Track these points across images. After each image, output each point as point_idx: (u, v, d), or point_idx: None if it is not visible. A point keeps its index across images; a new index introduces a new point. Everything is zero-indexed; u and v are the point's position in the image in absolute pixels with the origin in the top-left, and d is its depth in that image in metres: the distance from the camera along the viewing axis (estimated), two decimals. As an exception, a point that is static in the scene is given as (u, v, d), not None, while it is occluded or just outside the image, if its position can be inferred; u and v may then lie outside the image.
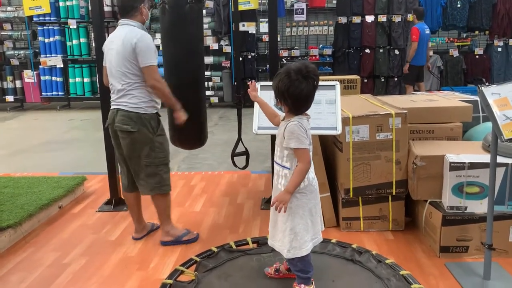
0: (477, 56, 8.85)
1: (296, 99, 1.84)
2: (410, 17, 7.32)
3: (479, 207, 2.63)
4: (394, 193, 2.96)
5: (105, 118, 3.44)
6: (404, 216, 3.05)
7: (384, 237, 2.98)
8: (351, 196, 2.97)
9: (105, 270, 2.62)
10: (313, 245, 1.91)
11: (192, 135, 3.12)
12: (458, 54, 8.76)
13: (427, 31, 7.00)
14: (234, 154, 3.33)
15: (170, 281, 1.97)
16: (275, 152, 1.94)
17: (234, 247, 2.31)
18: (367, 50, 8.72)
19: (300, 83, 1.81)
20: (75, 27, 8.37)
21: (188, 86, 3.03)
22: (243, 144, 3.44)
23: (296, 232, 1.85)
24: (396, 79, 8.63)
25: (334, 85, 2.53)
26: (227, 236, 2.99)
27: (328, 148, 3.29)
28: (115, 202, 3.54)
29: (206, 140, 3.26)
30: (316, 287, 1.93)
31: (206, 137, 3.25)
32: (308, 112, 2.17)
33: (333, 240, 2.34)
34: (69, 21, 8.33)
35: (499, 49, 8.75)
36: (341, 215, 3.06)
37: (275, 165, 1.94)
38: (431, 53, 8.56)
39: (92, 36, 5.84)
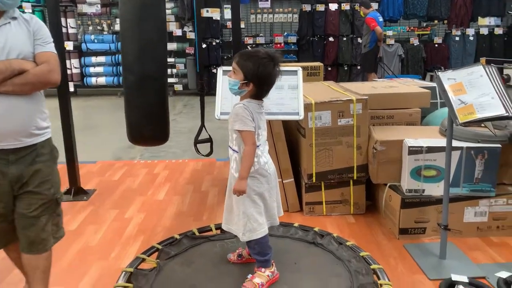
0: (436, 45, 9.11)
1: (264, 82, 1.85)
2: (360, 12, 7.36)
3: (436, 189, 2.72)
4: (355, 178, 3.02)
5: (63, 107, 3.32)
6: (365, 199, 3.12)
7: (345, 220, 3.04)
8: (314, 181, 3.01)
9: (64, 260, 2.55)
10: (269, 225, 1.93)
11: (156, 132, 2.77)
12: (418, 43, 8.99)
13: (381, 19, 7.08)
14: (197, 141, 3.30)
15: (131, 269, 1.94)
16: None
17: (197, 233, 2.29)
18: (331, 38, 8.80)
19: (272, 68, 1.84)
20: (30, 11, 7.99)
21: (153, 76, 2.67)
22: (206, 131, 3.41)
23: (248, 215, 1.85)
24: (359, 67, 8.77)
25: (296, 71, 2.53)
26: (191, 224, 2.97)
27: (292, 134, 3.31)
28: (74, 192, 3.44)
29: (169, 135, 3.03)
30: (278, 269, 1.94)
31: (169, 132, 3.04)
32: (270, 97, 2.16)
33: (296, 224, 2.37)
34: (24, 4, 7.95)
35: (457, 38, 9.05)
36: (304, 200, 3.09)
37: (229, 149, 1.94)
38: (392, 41, 8.74)
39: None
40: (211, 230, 2.33)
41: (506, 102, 2.11)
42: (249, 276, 1.92)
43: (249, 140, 1.83)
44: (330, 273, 1.93)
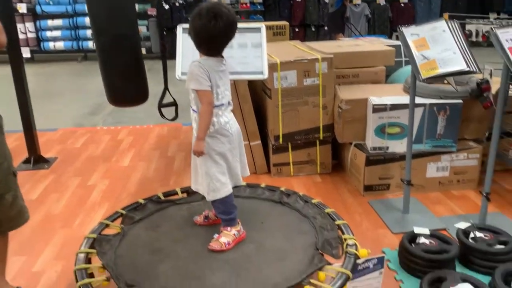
0: (402, 5, 9.11)
1: (208, 39, 1.76)
2: None
3: (399, 146, 2.76)
4: (321, 138, 3.03)
5: (16, 73, 3.13)
6: (331, 159, 3.15)
7: (312, 180, 3.07)
8: (281, 142, 3.00)
9: (26, 229, 2.46)
10: (233, 184, 1.91)
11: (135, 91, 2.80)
12: (384, 3, 8.95)
13: None
14: (161, 105, 3.20)
15: (94, 235, 1.90)
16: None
17: (162, 198, 2.25)
18: (298, -2, 8.65)
19: (208, 21, 1.72)
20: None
21: (126, 35, 2.66)
22: (170, 94, 3.31)
23: (210, 175, 1.83)
24: (326, 27, 8.69)
25: (260, 28, 2.46)
26: (157, 189, 2.91)
27: (258, 96, 3.26)
28: (34, 161, 3.31)
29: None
30: (245, 229, 1.94)
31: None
32: (234, 55, 2.10)
33: (262, 185, 2.36)
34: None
35: (422, -3, 9.07)
36: (272, 161, 3.09)
37: (190, 109, 1.88)
38: (359, 1, 8.67)
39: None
40: (177, 193, 2.30)
41: (468, 57, 2.13)
42: (215, 235, 1.91)
43: (204, 99, 1.78)
44: (296, 231, 1.94)
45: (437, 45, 2.19)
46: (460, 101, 2.67)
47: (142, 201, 2.20)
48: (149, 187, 2.99)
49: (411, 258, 1.97)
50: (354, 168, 2.93)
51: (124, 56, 2.59)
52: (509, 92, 2.83)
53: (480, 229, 2.13)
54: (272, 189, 2.32)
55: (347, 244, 1.77)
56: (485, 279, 1.90)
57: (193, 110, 1.85)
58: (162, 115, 3.29)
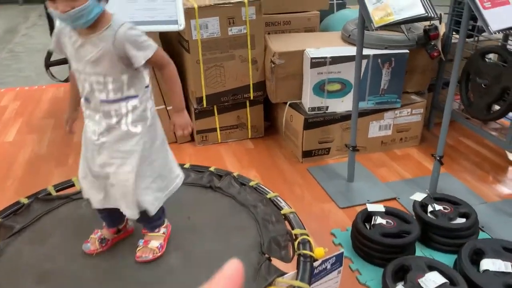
0: None
1: None
2: None
3: (340, 105, 2.43)
4: (252, 98, 2.60)
5: None
6: (263, 121, 2.75)
7: (243, 146, 2.67)
8: (205, 105, 2.52)
9: None
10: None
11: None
12: None
13: None
14: (48, 64, 2.53)
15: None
16: (93, 88, 1.23)
17: (53, 193, 1.71)
18: None
19: None
20: None
21: None
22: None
23: (170, 165, 1.42)
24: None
25: (170, -38, 1.88)
26: (53, 172, 2.34)
27: (174, 49, 2.70)
28: None
29: None
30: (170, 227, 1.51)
31: None
32: (136, 0, 1.55)
33: (186, 165, 1.90)
34: None
35: None
36: (195, 128, 2.62)
37: (101, 106, 1.27)
38: None
39: None
40: (73, 185, 1.76)
41: (425, 0, 1.77)
42: (141, 242, 1.44)
43: (165, 57, 1.28)
44: (233, 226, 1.54)
45: (390, -15, 1.81)
46: (407, 50, 2.36)
47: (25, 201, 1.64)
48: (41, 169, 2.39)
49: (368, 244, 1.68)
50: (290, 131, 2.56)
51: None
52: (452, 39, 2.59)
53: (437, 199, 1.89)
54: (199, 170, 1.87)
55: (299, 243, 1.40)
56: (448, 258, 1.69)
57: (121, 100, 1.25)
58: (51, 75, 2.63)
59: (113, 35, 1.19)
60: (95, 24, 1.19)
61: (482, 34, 2.46)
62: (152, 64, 1.27)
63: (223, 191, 1.74)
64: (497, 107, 2.21)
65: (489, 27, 1.63)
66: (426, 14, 1.75)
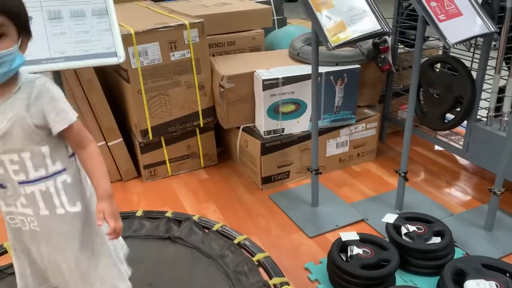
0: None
1: (26, 20, 0.96)
2: None
3: (296, 126, 2.32)
4: (201, 125, 2.42)
5: None
6: (215, 148, 2.58)
7: (197, 177, 2.48)
8: (151, 138, 2.31)
9: None
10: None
11: None
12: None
13: None
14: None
15: None
16: (7, 169, 0.97)
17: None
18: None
19: None
20: None
21: None
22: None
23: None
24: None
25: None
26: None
27: (109, 78, 2.47)
28: None
29: None
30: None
31: None
32: (65, 32, 1.35)
33: (139, 212, 1.69)
34: None
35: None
36: (142, 163, 2.39)
37: (21, 189, 1.01)
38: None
39: None
40: (5, 252, 1.48)
41: (379, 14, 1.71)
42: None
43: (87, 133, 1.04)
44: (201, 286, 1.35)
45: (342, 0, 1.73)
46: (358, 65, 2.31)
47: None
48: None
49: (347, 278, 1.56)
50: (246, 157, 2.41)
51: None
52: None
53: (408, 219, 1.82)
54: (153, 216, 1.66)
55: (281, 295, 1.25)
56: (429, 281, 1.62)
57: (47, 178, 1.01)
58: None
59: (27, 98, 0.94)
60: (3, 84, 0.93)
61: (425, 43, 2.48)
62: (70, 138, 1.01)
63: (184, 242, 1.55)
64: (451, 116, 2.21)
65: (447, 40, 1.59)
66: (382, 30, 1.68)
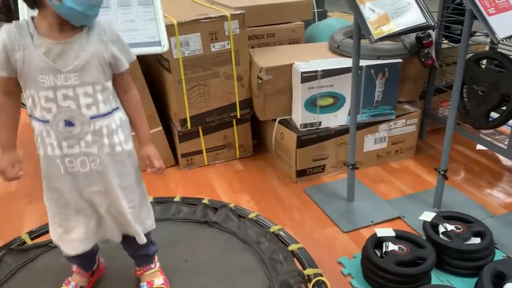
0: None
1: None
2: None
3: (333, 120, 2.30)
4: (238, 116, 2.44)
5: None
6: (251, 140, 2.60)
7: (232, 168, 2.51)
8: (189, 127, 2.35)
9: None
10: None
11: None
12: None
13: None
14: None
15: None
16: (80, 104, 1.03)
17: (29, 241, 1.51)
18: None
19: None
20: None
21: None
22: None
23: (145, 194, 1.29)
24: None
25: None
26: (26, 210, 2.12)
27: (151, 68, 2.53)
28: None
29: None
30: (164, 274, 1.34)
31: None
32: (116, 20, 1.40)
33: (177, 198, 1.73)
34: None
35: None
36: (179, 152, 2.45)
37: (90, 126, 1.06)
38: None
39: None
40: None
41: (424, 8, 1.67)
42: (144, 286, 1.30)
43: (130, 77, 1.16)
44: (236, 268, 1.38)
45: (386, -7, 1.69)
46: (400, 60, 2.26)
47: (-5, 254, 1.44)
48: (13, 208, 2.17)
49: (382, 274, 1.54)
50: (281, 150, 2.42)
51: None
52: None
53: (447, 218, 1.78)
54: (191, 202, 1.71)
55: (314, 286, 1.26)
56: (467, 283, 1.58)
57: (107, 114, 1.08)
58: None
59: (101, 34, 1.03)
60: (73, 25, 1.02)
61: (471, 38, 2.39)
62: (121, 80, 1.11)
63: (221, 227, 1.58)
64: (496, 115, 2.13)
65: (495, 35, 1.54)
66: (427, 23, 1.64)
